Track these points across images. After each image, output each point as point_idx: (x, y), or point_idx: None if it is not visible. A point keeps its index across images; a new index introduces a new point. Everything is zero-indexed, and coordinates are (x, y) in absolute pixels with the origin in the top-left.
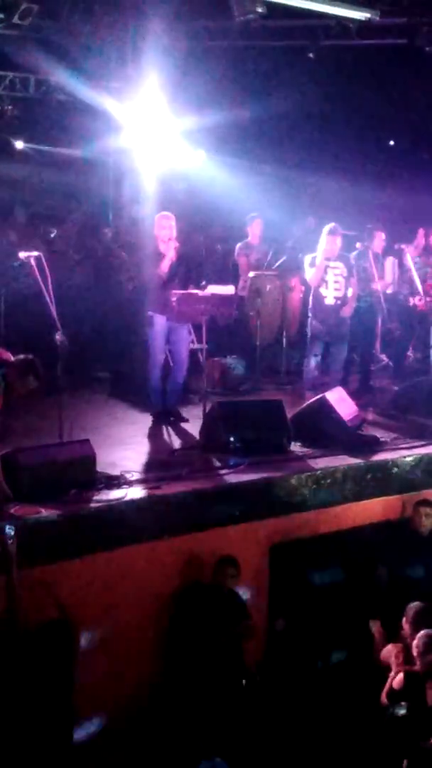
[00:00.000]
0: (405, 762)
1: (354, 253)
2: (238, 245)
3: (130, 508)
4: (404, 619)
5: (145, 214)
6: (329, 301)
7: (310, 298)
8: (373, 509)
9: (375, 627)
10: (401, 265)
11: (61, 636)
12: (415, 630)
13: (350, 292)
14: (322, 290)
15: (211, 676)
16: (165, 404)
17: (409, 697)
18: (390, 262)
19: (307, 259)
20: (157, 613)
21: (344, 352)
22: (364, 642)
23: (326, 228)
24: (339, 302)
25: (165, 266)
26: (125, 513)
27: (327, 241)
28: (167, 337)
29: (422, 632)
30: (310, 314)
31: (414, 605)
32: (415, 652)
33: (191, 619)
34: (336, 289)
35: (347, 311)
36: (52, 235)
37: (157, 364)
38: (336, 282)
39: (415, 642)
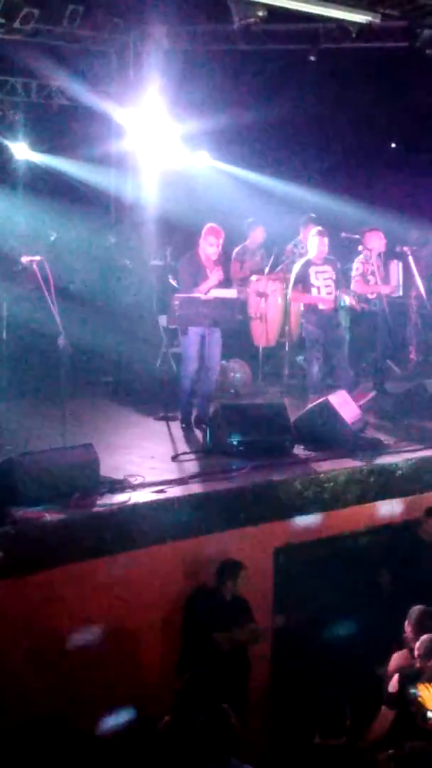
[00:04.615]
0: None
1: (360, 257)
2: (236, 250)
3: (133, 512)
4: (407, 623)
5: (147, 218)
6: (322, 305)
7: (301, 304)
8: (376, 512)
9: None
10: (406, 268)
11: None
12: (418, 633)
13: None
14: (314, 294)
15: (218, 679)
16: (191, 411)
17: (402, 699)
18: (395, 266)
19: (296, 267)
20: (163, 617)
21: (345, 355)
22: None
23: (313, 230)
24: (332, 305)
25: (203, 290)
26: (129, 517)
27: (318, 242)
28: (201, 344)
29: (426, 636)
30: (303, 320)
31: (417, 608)
32: (416, 653)
33: (196, 623)
34: (327, 293)
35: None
36: (53, 238)
37: (189, 374)
38: (327, 286)
39: (417, 644)
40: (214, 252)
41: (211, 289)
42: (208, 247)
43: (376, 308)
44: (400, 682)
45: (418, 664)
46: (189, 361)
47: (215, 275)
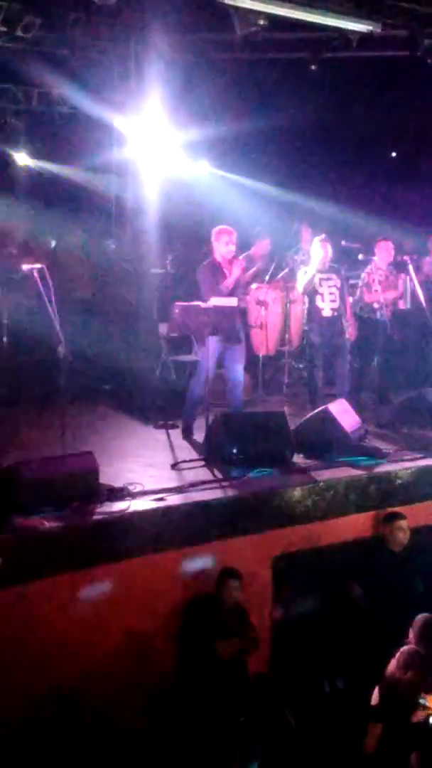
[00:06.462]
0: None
1: (368, 267)
2: (239, 258)
3: (133, 520)
4: (411, 631)
5: (148, 226)
6: (326, 313)
7: (304, 311)
8: (375, 521)
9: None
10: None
11: None
12: (422, 642)
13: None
14: (319, 303)
15: (216, 688)
16: (194, 420)
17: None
18: (402, 279)
19: (301, 272)
20: (162, 625)
21: (346, 363)
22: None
23: (317, 238)
24: (336, 314)
25: (230, 283)
26: (128, 525)
27: (322, 250)
28: (221, 358)
29: (405, 648)
30: (306, 328)
31: (421, 617)
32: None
33: (195, 631)
34: (332, 301)
35: (351, 333)
36: (53, 245)
37: (202, 383)
38: (331, 294)
39: (397, 654)
40: (229, 251)
41: (233, 280)
42: (223, 247)
43: (379, 318)
44: (381, 693)
45: (396, 674)
46: (203, 371)
47: (237, 267)
